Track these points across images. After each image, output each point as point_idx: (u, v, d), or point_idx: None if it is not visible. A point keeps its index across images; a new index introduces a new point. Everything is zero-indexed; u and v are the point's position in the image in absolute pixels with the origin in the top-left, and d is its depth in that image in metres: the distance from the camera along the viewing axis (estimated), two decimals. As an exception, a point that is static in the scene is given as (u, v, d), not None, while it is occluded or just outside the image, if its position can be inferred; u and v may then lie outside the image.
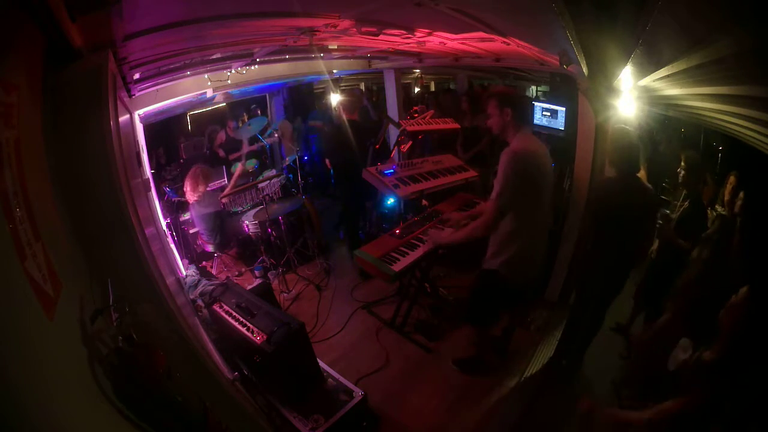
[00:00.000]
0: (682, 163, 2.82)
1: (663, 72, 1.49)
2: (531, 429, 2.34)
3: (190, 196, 3.72)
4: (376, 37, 2.40)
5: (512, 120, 2.17)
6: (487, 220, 2.16)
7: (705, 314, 1.62)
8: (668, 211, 2.94)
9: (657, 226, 2.85)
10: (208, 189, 3.84)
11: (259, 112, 5.73)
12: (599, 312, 2.50)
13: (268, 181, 3.93)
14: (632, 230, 2.27)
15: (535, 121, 3.86)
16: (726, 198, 2.79)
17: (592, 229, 2.61)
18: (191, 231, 4.16)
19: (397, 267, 2.40)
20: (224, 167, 4.73)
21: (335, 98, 3.84)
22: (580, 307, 2.61)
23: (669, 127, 4.07)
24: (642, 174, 3.00)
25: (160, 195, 3.80)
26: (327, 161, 4.17)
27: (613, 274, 2.37)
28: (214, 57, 2.76)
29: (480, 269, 2.34)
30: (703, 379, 1.46)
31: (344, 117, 3.77)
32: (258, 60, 3.13)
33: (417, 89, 8.12)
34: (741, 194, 2.35)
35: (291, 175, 4.83)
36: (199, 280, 3.04)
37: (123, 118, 1.98)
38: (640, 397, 2.07)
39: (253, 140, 4.70)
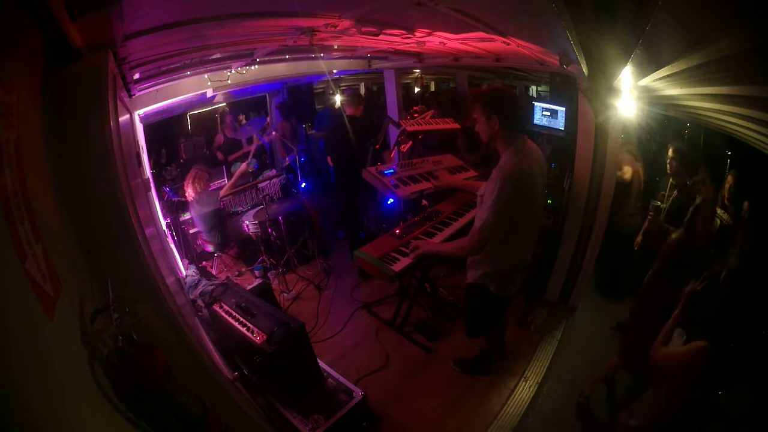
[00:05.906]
0: (670, 153, 2.86)
1: (663, 72, 1.49)
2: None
3: (190, 196, 3.72)
4: (376, 37, 2.40)
5: (502, 129, 1.89)
6: (472, 246, 2.01)
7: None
8: (659, 203, 2.98)
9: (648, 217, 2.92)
10: (207, 188, 3.85)
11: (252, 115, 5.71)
12: None
13: (268, 181, 3.93)
14: None
15: (535, 121, 3.86)
16: (726, 198, 2.78)
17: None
18: (191, 231, 4.16)
19: (397, 267, 2.40)
20: (224, 167, 4.73)
21: (338, 99, 3.87)
22: None
23: (669, 128, 4.07)
24: (639, 169, 3.06)
25: (160, 195, 3.80)
26: (329, 158, 4.17)
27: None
28: (214, 57, 2.76)
29: (466, 283, 2.28)
30: None
31: (346, 113, 3.77)
32: (258, 60, 3.12)
33: (417, 89, 8.00)
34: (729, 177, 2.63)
35: (291, 176, 4.82)
36: (199, 280, 3.04)
37: (123, 118, 1.97)
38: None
39: (251, 140, 4.70)
